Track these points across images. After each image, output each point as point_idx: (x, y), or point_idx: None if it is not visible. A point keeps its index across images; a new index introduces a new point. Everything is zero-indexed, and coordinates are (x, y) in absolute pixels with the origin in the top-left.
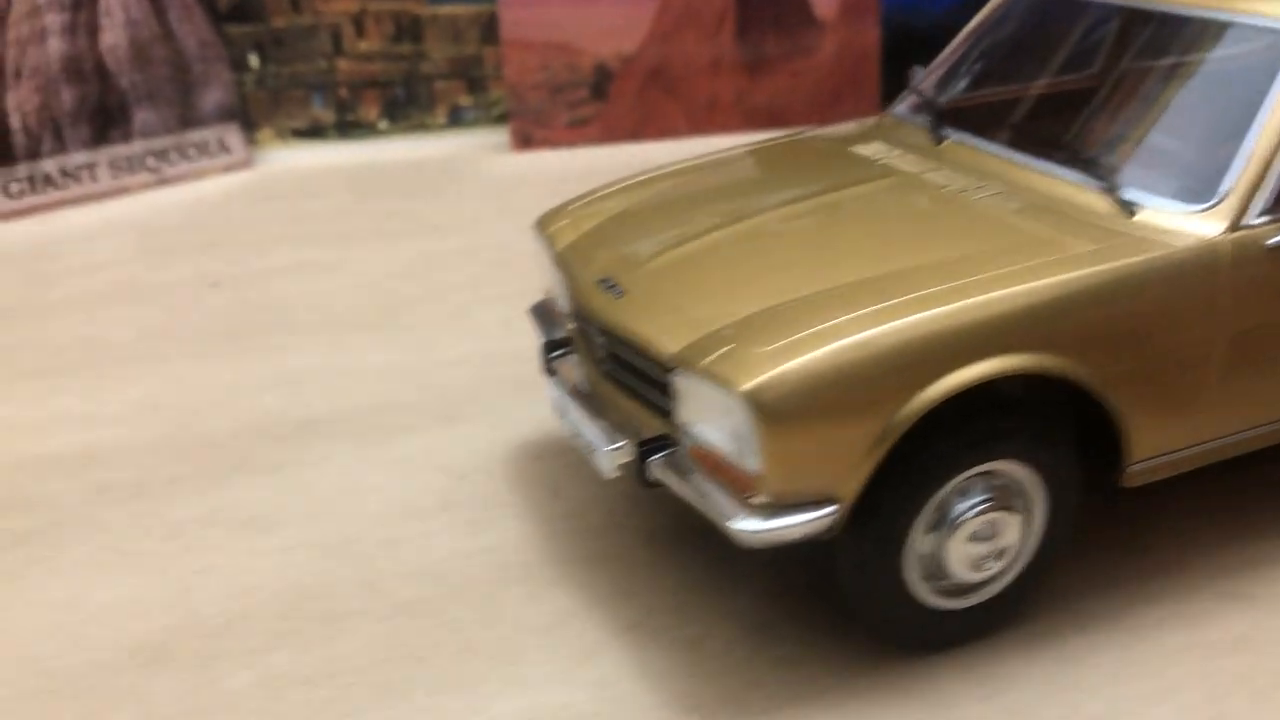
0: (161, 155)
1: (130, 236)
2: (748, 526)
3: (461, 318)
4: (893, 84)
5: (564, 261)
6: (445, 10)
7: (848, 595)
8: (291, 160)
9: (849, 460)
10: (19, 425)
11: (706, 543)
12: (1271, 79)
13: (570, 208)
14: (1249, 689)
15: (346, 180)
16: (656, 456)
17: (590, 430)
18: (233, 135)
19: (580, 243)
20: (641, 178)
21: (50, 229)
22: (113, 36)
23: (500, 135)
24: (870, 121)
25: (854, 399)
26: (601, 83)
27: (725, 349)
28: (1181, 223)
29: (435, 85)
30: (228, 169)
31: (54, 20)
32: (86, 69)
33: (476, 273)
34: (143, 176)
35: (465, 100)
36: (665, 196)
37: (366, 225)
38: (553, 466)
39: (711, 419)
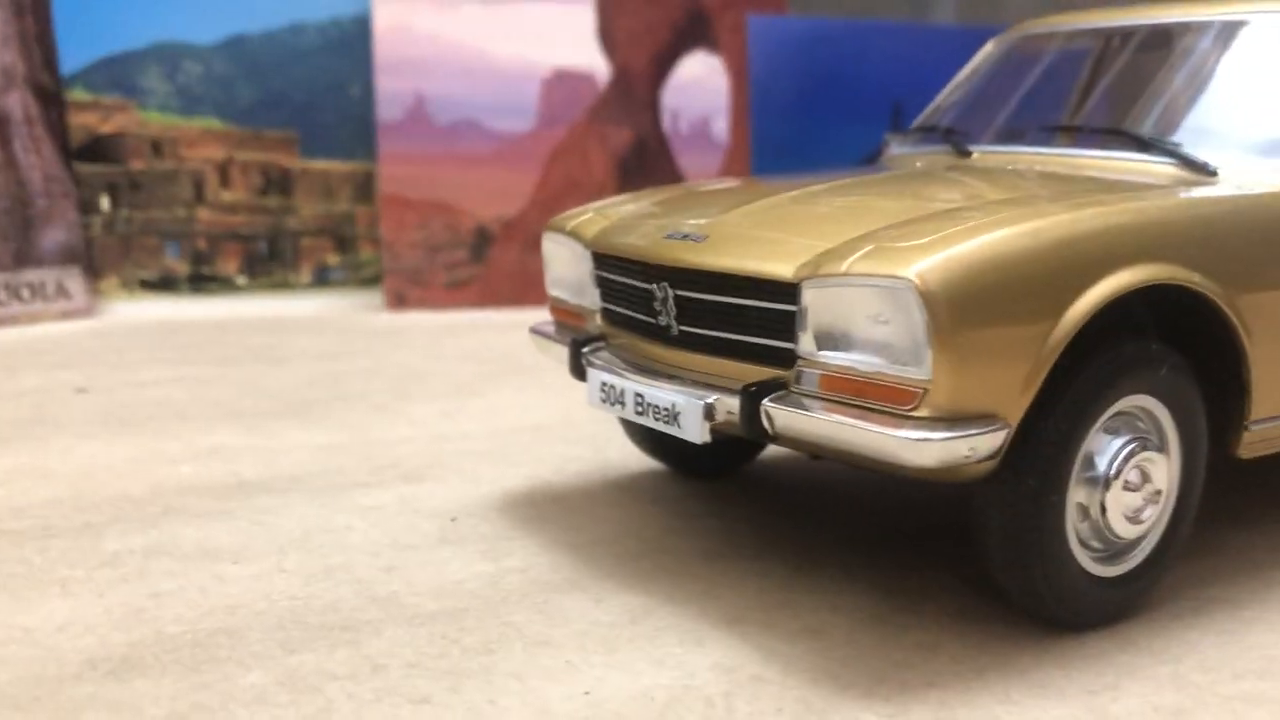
0: None
1: None
2: (918, 436)
3: (389, 411)
4: None
5: (607, 238)
6: (318, 165)
7: (997, 560)
8: (137, 312)
9: (1018, 371)
10: None
11: (779, 555)
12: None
13: (585, 209)
14: None
15: (203, 330)
16: (773, 399)
17: (667, 395)
18: (74, 280)
19: (617, 226)
20: (648, 191)
21: None
22: None
23: (370, 297)
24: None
25: (1020, 294)
26: (481, 245)
27: (865, 250)
28: (1265, 173)
29: (302, 242)
30: (65, 315)
31: None
32: None
33: (389, 383)
34: None
35: (333, 259)
36: (691, 193)
37: (242, 353)
38: (558, 509)
39: (858, 330)
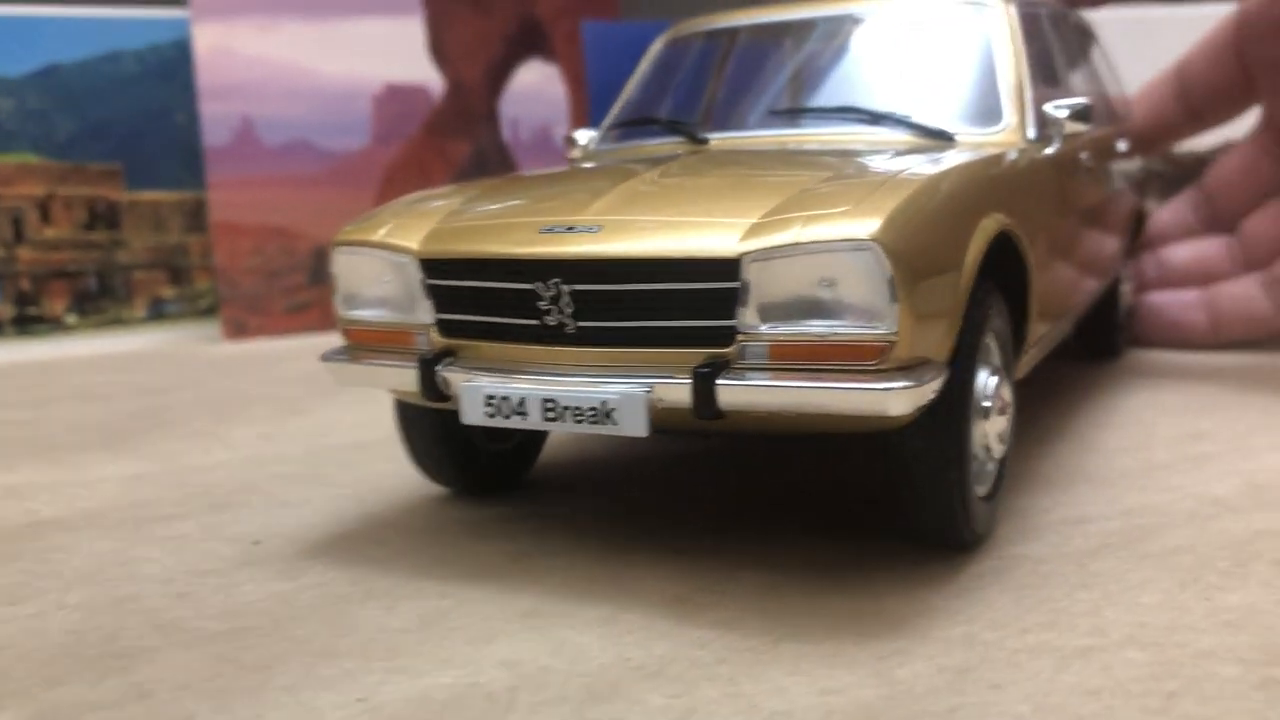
0: None
1: None
2: (896, 386)
3: (207, 437)
4: None
5: (449, 243)
6: (146, 196)
7: (923, 497)
8: None
9: (947, 317)
10: None
11: (586, 550)
12: (989, 42)
13: (375, 217)
14: None
15: (26, 373)
16: (725, 378)
17: (593, 393)
18: None
19: (460, 229)
20: (444, 189)
21: None
22: None
23: (208, 328)
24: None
25: (941, 245)
26: (320, 267)
27: (804, 218)
28: (992, 140)
29: (134, 276)
30: None
31: None
32: None
33: (213, 409)
34: None
35: (168, 292)
36: (516, 187)
37: (64, 392)
38: (366, 526)
39: (805, 297)
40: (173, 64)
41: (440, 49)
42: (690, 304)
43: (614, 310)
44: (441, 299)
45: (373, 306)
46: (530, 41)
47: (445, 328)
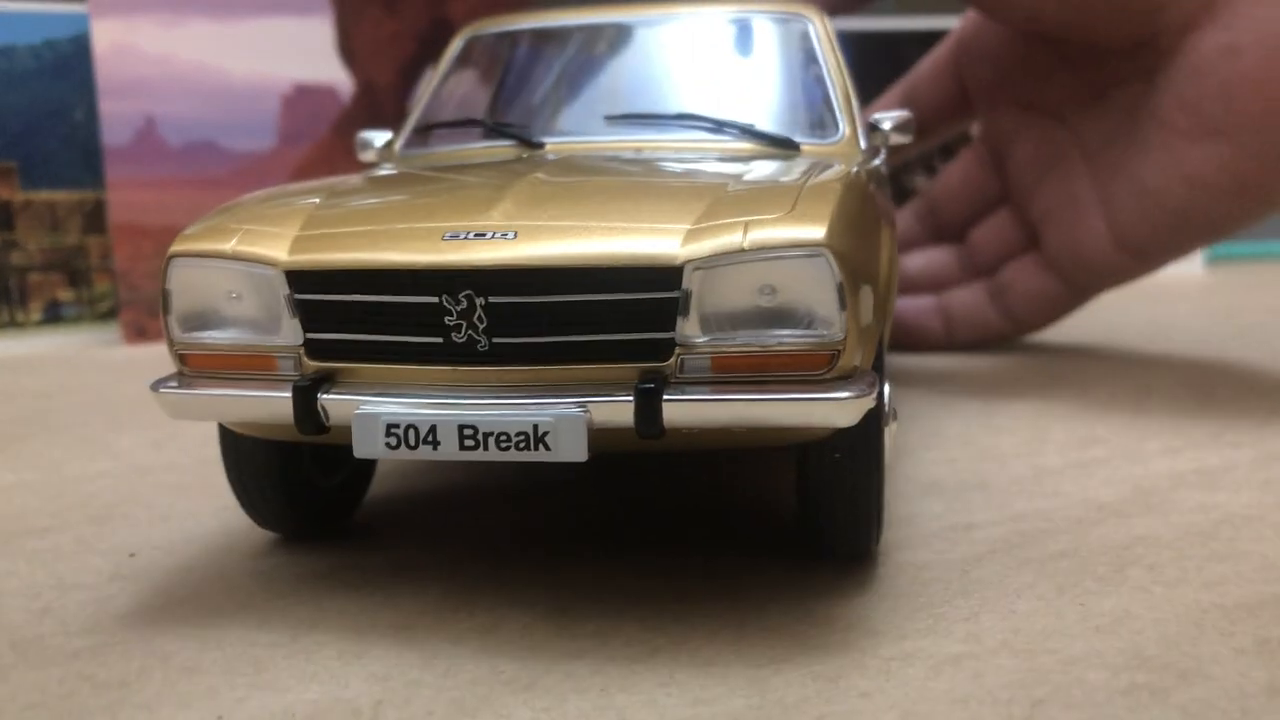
0: None
1: None
2: (846, 395)
3: (93, 444)
4: None
5: (325, 253)
6: (42, 196)
7: (838, 511)
8: None
9: (877, 323)
10: None
11: (472, 561)
12: (816, 53)
13: (227, 218)
14: None
15: None
16: (671, 394)
17: (520, 416)
18: None
19: (321, 236)
20: (289, 188)
21: None
22: None
23: (108, 332)
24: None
25: (866, 250)
26: None
27: (744, 223)
28: (831, 150)
29: (29, 278)
30: None
31: None
32: None
33: (103, 415)
34: None
35: (65, 295)
36: (379, 188)
37: None
38: (249, 537)
39: (747, 305)
40: (70, 60)
41: (349, 49)
42: (622, 315)
43: (533, 324)
44: (313, 317)
45: (221, 327)
46: (443, 41)
47: (317, 349)
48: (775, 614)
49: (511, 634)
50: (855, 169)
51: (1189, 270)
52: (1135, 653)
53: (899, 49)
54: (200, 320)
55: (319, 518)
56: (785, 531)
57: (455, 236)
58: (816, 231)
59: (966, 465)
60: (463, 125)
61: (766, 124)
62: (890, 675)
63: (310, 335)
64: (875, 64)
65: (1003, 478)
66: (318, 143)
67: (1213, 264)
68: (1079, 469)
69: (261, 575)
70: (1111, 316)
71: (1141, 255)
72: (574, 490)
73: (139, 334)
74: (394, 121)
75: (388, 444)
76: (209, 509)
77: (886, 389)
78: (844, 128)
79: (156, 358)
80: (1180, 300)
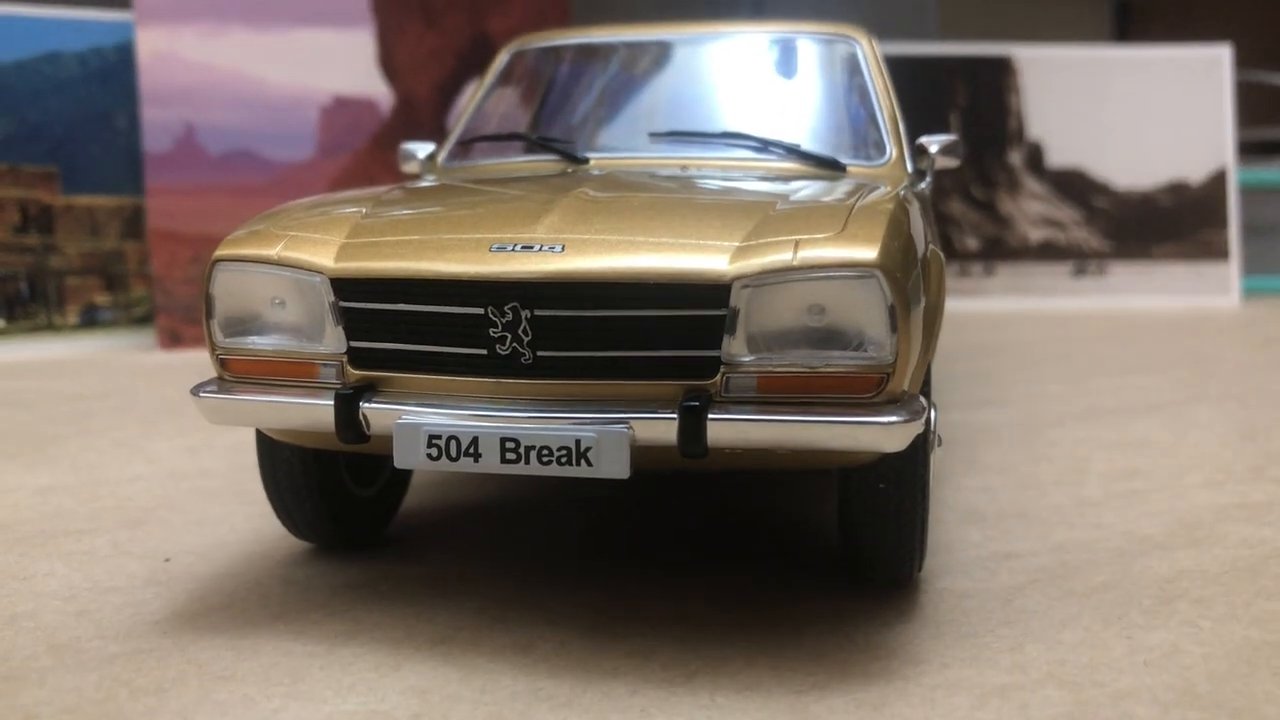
0: None
1: None
2: (895, 419)
3: (129, 448)
4: None
5: (371, 261)
6: (82, 200)
7: (886, 536)
8: None
9: (926, 347)
10: None
11: (508, 575)
12: (864, 74)
13: (273, 224)
14: None
15: None
16: (716, 413)
17: (563, 431)
18: None
19: (368, 245)
20: (333, 196)
21: None
22: None
23: (142, 337)
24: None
25: (913, 270)
26: None
27: (794, 242)
28: (878, 172)
29: (67, 282)
30: None
31: None
32: None
33: (139, 420)
34: None
35: (102, 299)
36: (423, 199)
37: None
38: (283, 545)
39: (795, 325)
40: (115, 67)
41: (390, 63)
42: (667, 332)
43: (578, 338)
44: (356, 325)
45: (264, 333)
46: (482, 59)
47: (360, 357)
48: (815, 639)
49: (548, 651)
50: (903, 191)
51: (1225, 302)
52: (1185, 689)
53: (943, 75)
54: (243, 326)
55: (354, 529)
56: (825, 555)
57: (502, 248)
58: (869, 252)
59: (1005, 493)
60: (507, 139)
61: (812, 144)
62: (935, 704)
63: (353, 343)
64: (920, 89)
65: (1042, 507)
66: (356, 155)
67: (1250, 297)
68: (1120, 500)
69: (296, 584)
70: (1148, 348)
71: None
72: (607, 506)
73: (173, 340)
74: (432, 136)
75: (429, 455)
76: (243, 515)
77: (933, 414)
78: (891, 150)
79: (190, 363)
80: (1217, 332)
